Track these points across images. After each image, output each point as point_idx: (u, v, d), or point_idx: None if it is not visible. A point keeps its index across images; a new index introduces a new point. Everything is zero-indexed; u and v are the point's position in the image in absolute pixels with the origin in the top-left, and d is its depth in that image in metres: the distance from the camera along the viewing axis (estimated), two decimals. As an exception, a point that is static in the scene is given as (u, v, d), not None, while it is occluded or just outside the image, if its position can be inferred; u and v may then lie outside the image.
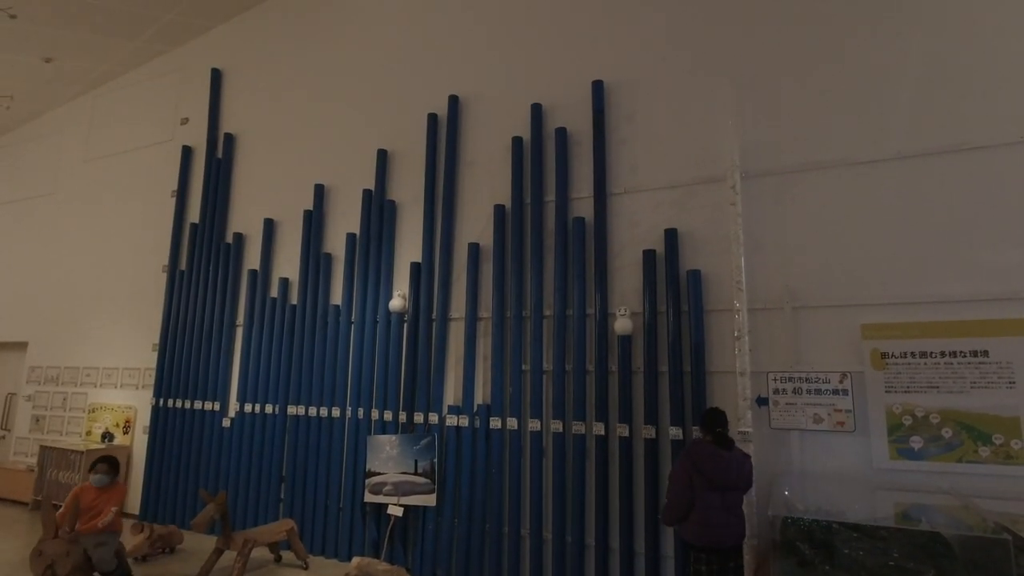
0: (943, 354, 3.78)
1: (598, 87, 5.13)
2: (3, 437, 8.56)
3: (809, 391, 4.04)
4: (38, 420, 8.03)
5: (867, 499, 3.67)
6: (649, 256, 4.64)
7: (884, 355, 3.90)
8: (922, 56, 4.17)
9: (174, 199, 7.40)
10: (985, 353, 3.69)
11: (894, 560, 2.86)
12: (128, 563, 4.60)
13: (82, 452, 6.69)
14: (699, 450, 3.46)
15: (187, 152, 7.49)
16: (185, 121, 7.69)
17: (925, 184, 4.03)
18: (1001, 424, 3.60)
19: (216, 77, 7.50)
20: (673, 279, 4.52)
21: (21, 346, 8.54)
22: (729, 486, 3.38)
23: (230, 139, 7.23)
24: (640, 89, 5.07)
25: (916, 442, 3.75)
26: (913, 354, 3.83)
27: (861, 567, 2.87)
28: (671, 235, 4.61)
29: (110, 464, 4.47)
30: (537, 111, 5.36)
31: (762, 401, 4.15)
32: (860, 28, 4.38)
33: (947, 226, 3.93)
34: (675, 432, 4.28)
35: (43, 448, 7.11)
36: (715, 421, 3.54)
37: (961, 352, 3.74)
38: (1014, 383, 3.61)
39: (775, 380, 4.14)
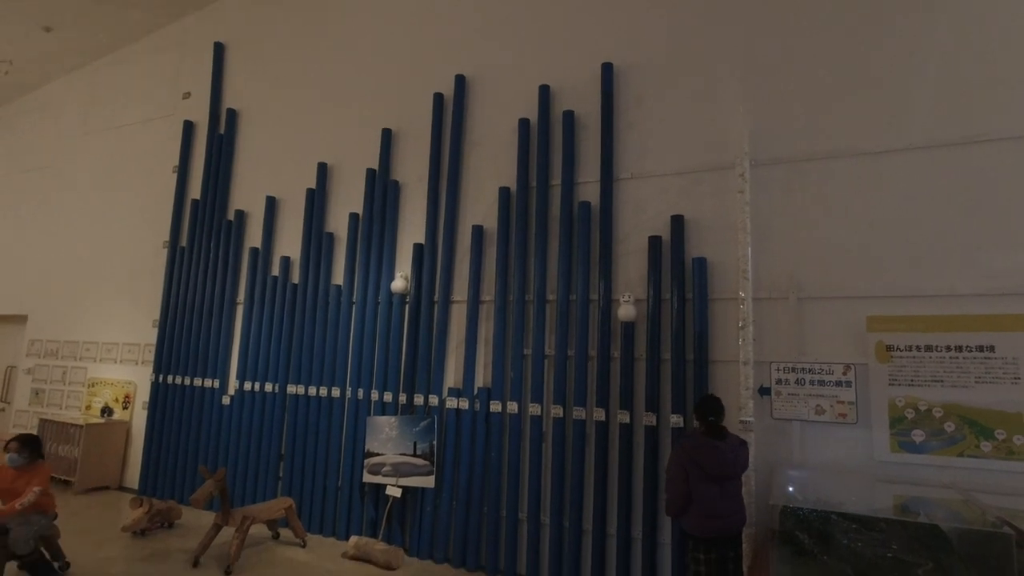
0: (949, 348, 3.75)
1: (607, 70, 5.04)
2: (3, 410, 8.58)
3: (812, 382, 4.02)
4: (37, 393, 8.04)
5: (867, 491, 3.67)
6: (655, 242, 4.59)
7: (889, 348, 3.87)
8: (937, 47, 4.09)
9: (175, 175, 7.33)
10: (991, 348, 3.66)
11: (892, 552, 2.86)
12: (60, 549, 4.33)
13: (81, 426, 6.70)
14: (693, 442, 3.45)
15: (188, 127, 7.40)
16: (187, 96, 7.59)
17: (936, 176, 3.97)
18: (1004, 419, 3.58)
19: (219, 51, 7.39)
20: (678, 266, 4.48)
21: (21, 319, 8.53)
22: (726, 475, 3.37)
23: (232, 115, 7.14)
24: (650, 73, 4.98)
25: (918, 435, 3.74)
26: (919, 347, 3.81)
27: (859, 558, 2.87)
28: (677, 222, 4.56)
29: (22, 443, 4.13)
30: (545, 93, 5.27)
31: (764, 391, 4.13)
32: (875, 16, 4.28)
33: (956, 219, 3.88)
34: (676, 420, 4.27)
35: (42, 421, 7.12)
36: (709, 410, 3.51)
37: (967, 347, 3.71)
38: (1019, 379, 3.58)
39: (778, 370, 4.11)
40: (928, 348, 3.80)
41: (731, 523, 3.38)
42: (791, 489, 3.57)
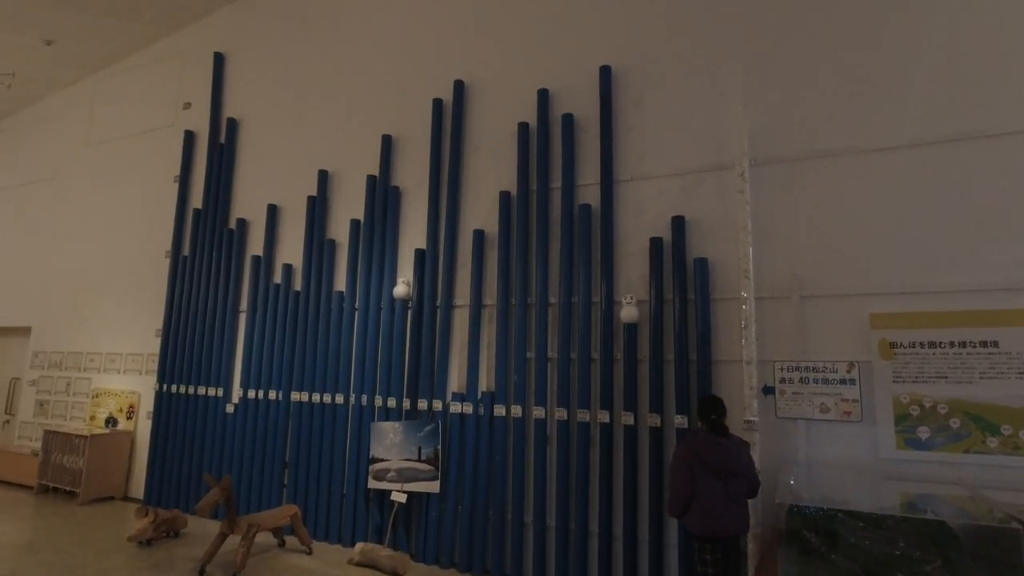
0: (952, 344, 3.74)
1: (606, 72, 5.06)
2: (7, 422, 8.59)
3: (816, 380, 4.01)
4: (42, 405, 8.05)
5: (873, 489, 3.65)
6: (656, 244, 4.60)
7: (893, 345, 3.86)
8: (936, 43, 4.10)
9: (177, 184, 7.36)
10: (995, 343, 3.66)
11: (900, 550, 2.84)
12: None
13: (86, 437, 6.71)
14: (696, 439, 3.44)
15: (190, 137, 7.43)
16: (187, 106, 7.63)
17: (937, 172, 3.97)
18: (1010, 415, 3.57)
19: (219, 61, 7.43)
20: (680, 267, 4.48)
21: (24, 331, 8.55)
22: (730, 473, 3.34)
23: (233, 124, 7.17)
24: (648, 75, 5.00)
25: (923, 432, 3.73)
26: (922, 344, 3.80)
27: (867, 556, 2.86)
28: (678, 223, 4.57)
29: None
30: (544, 96, 5.29)
31: (768, 390, 4.13)
32: (873, 14, 4.30)
33: (958, 215, 3.88)
34: (680, 421, 4.27)
35: (47, 432, 7.13)
36: (710, 409, 3.49)
37: (971, 342, 3.70)
38: (1023, 373, 3.57)
39: (782, 369, 4.11)
40: (932, 344, 3.79)
41: (730, 524, 3.35)
42: (797, 488, 3.56)
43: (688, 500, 3.40)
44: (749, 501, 3.52)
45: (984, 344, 3.68)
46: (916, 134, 4.05)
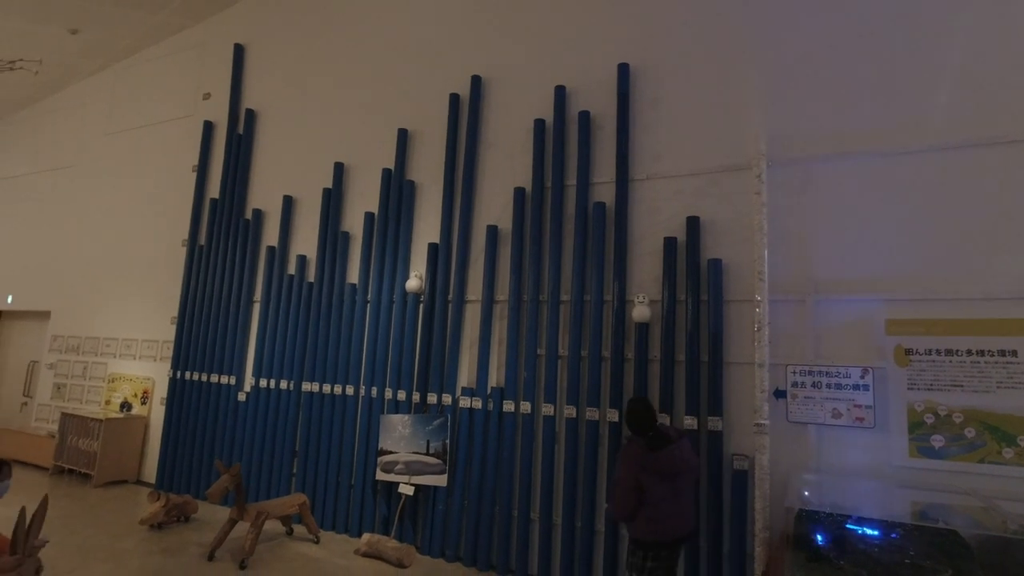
0: (970, 352, 3.69)
1: (623, 70, 5.03)
2: (25, 404, 8.75)
3: (829, 385, 3.97)
4: (59, 388, 8.19)
5: (884, 496, 3.62)
6: (670, 243, 4.57)
7: (908, 351, 3.82)
8: (957, 47, 4.03)
9: (195, 174, 7.44)
10: (1014, 353, 3.60)
11: (910, 558, 2.81)
12: None
13: (101, 421, 6.82)
14: (639, 450, 3.30)
15: (208, 127, 7.51)
16: (207, 96, 7.70)
17: (957, 178, 3.91)
18: (1027, 426, 3.51)
19: (239, 53, 7.49)
20: (693, 267, 4.45)
21: (44, 315, 8.70)
22: (677, 470, 3.25)
23: (251, 115, 7.23)
24: (666, 73, 4.97)
25: (937, 441, 3.68)
26: (939, 351, 3.75)
27: (876, 563, 2.83)
28: (693, 223, 4.54)
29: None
30: (560, 94, 5.28)
31: (780, 394, 4.09)
32: (892, 17, 4.24)
33: (979, 221, 3.82)
34: (690, 421, 4.24)
35: (64, 415, 7.26)
36: (642, 427, 3.33)
37: (989, 351, 3.65)
38: (1042, 384, 3.52)
39: (794, 373, 4.07)
40: (948, 352, 3.74)
41: (678, 526, 3.27)
42: (807, 493, 3.54)
43: (635, 510, 3.28)
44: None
45: (1002, 353, 3.62)
46: (937, 138, 3.98)
